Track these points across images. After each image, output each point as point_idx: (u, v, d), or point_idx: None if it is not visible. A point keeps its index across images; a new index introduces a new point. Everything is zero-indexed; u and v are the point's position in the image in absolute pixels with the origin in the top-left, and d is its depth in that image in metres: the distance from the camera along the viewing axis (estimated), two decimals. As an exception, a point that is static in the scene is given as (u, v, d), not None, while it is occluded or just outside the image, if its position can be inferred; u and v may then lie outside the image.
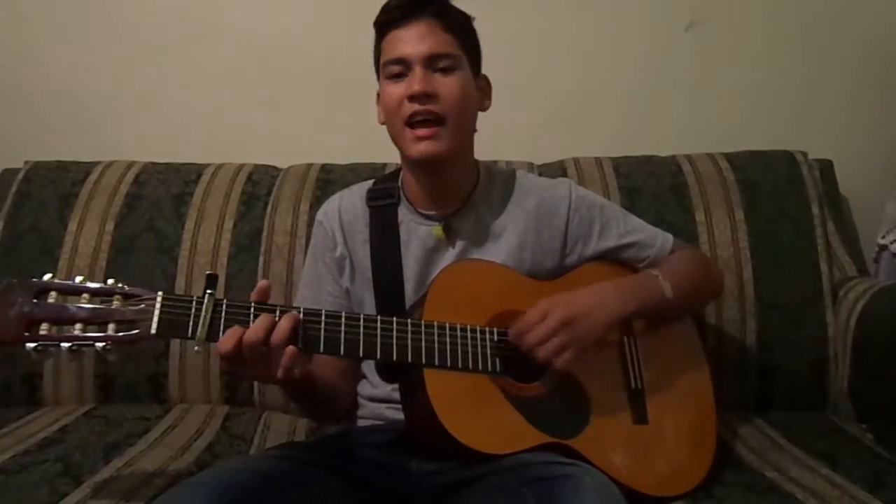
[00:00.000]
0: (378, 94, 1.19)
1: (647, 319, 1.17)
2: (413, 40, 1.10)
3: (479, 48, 1.19)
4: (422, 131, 1.10)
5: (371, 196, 1.23)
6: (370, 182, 1.28)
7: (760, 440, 1.30)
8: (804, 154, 1.61)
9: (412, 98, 1.09)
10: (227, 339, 0.91)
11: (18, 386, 1.47)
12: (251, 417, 1.45)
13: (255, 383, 1.50)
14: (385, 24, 1.14)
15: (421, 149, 1.10)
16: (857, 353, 1.39)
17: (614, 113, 1.82)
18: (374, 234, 1.20)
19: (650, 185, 1.56)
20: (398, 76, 1.12)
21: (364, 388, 1.22)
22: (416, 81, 1.09)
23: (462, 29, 1.15)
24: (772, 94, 1.81)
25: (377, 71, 1.18)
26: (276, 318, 0.94)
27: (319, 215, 1.27)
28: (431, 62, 1.11)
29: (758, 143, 1.66)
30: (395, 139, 1.15)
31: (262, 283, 0.97)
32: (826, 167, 1.65)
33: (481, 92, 1.19)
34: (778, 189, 1.55)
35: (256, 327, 0.92)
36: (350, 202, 1.25)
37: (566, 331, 1.04)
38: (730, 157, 1.61)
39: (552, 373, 1.08)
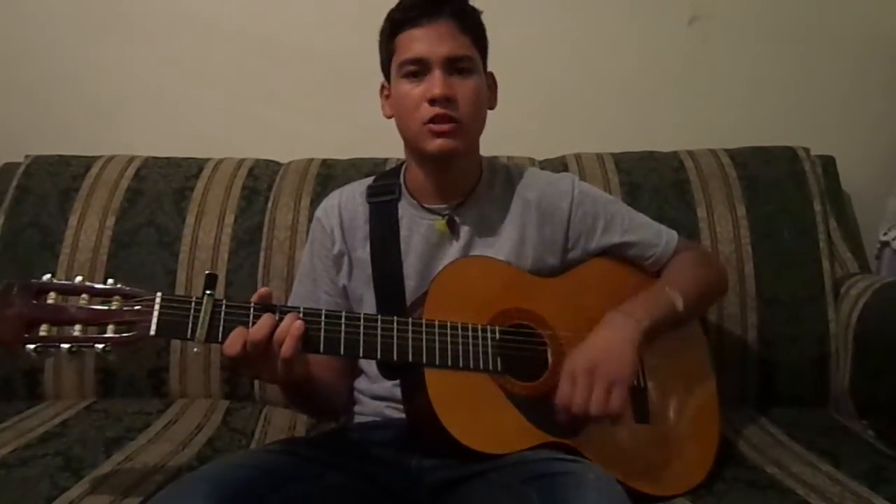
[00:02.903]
0: (382, 88, 1.19)
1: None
2: (432, 41, 1.10)
3: (487, 45, 1.18)
4: (440, 127, 1.09)
5: (371, 192, 1.23)
6: (370, 179, 1.27)
7: (761, 436, 1.30)
8: (806, 150, 1.60)
9: (433, 101, 1.09)
10: (232, 342, 0.92)
11: (19, 380, 1.47)
12: (252, 412, 1.45)
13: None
14: (401, 22, 1.13)
15: (439, 144, 1.10)
16: (858, 350, 1.39)
17: (616, 108, 1.82)
18: (375, 231, 1.19)
19: (652, 180, 1.56)
20: (414, 75, 1.11)
21: (362, 383, 1.21)
22: (436, 85, 1.08)
23: (477, 29, 1.15)
24: (774, 90, 1.81)
25: (386, 66, 1.17)
26: (278, 318, 0.94)
27: (318, 212, 1.26)
28: (450, 64, 1.10)
29: (760, 138, 1.65)
30: (408, 135, 1.15)
31: (262, 290, 0.97)
32: (828, 163, 1.65)
33: (490, 90, 1.19)
34: (780, 185, 1.55)
35: (260, 326, 0.92)
36: (350, 199, 1.24)
37: (599, 380, 1.02)
38: (732, 153, 1.61)
39: (554, 371, 1.08)
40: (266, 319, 0.93)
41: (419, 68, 1.10)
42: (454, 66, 1.11)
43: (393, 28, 1.14)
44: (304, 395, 1.14)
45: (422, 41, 1.10)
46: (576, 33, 1.81)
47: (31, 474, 1.09)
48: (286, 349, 0.93)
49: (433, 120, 1.09)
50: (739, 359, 1.46)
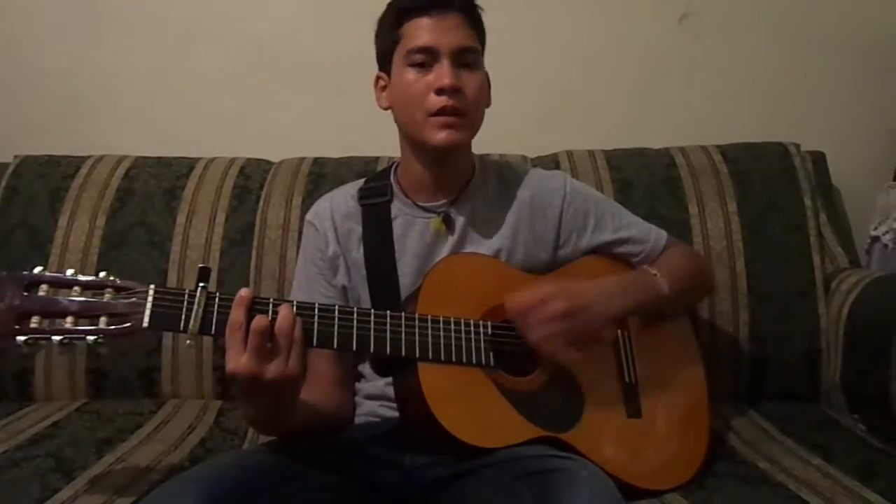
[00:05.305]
0: (378, 79, 1.19)
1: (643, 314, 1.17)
2: (442, 31, 1.10)
3: (486, 43, 1.19)
4: (447, 119, 1.09)
5: (363, 195, 1.22)
6: (360, 182, 1.27)
7: (753, 431, 1.30)
8: (797, 146, 1.61)
9: (440, 91, 1.09)
10: (232, 359, 0.90)
11: (9, 382, 1.47)
12: (244, 412, 1.44)
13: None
14: (409, 10, 1.12)
15: (444, 136, 1.10)
16: (848, 344, 1.39)
17: (607, 105, 1.82)
18: (368, 232, 1.19)
19: (643, 177, 1.56)
20: (421, 65, 1.11)
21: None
22: (446, 75, 1.08)
23: (480, 25, 1.16)
24: (765, 86, 1.81)
25: (387, 56, 1.16)
26: (271, 313, 0.93)
27: (310, 216, 1.25)
28: (459, 56, 1.10)
29: (750, 135, 1.66)
30: (410, 126, 1.14)
31: (243, 291, 0.94)
32: (818, 159, 1.65)
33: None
34: (770, 181, 1.56)
35: (260, 317, 0.90)
36: (341, 201, 1.23)
37: (565, 321, 1.02)
38: (723, 150, 1.61)
39: (546, 367, 1.08)
40: (259, 318, 0.90)
41: (427, 58, 1.10)
42: (462, 59, 1.11)
43: (399, 16, 1.13)
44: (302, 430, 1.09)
45: (431, 31, 1.10)
46: (568, 31, 1.81)
47: (22, 476, 1.09)
48: (295, 333, 0.92)
49: (441, 111, 1.09)
50: (731, 354, 1.47)
